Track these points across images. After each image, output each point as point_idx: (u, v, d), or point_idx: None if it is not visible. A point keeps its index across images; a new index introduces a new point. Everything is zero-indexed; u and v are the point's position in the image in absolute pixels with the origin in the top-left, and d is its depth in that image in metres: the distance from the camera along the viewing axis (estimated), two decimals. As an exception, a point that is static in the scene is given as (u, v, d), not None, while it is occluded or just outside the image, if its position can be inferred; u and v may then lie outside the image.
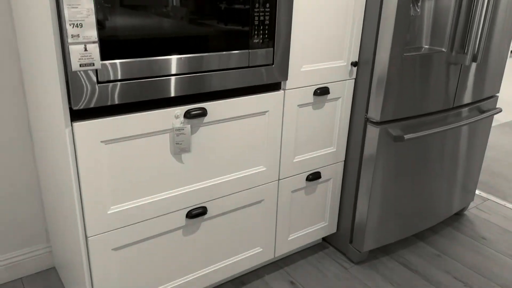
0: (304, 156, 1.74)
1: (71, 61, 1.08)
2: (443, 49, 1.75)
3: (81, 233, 1.28)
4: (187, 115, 1.34)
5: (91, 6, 1.06)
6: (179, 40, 1.24)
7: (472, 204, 2.52)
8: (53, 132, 1.30)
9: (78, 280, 1.44)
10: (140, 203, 1.36)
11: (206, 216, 1.54)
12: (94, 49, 1.09)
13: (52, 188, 1.52)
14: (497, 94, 2.15)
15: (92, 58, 1.10)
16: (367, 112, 1.74)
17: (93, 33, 1.08)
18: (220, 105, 1.41)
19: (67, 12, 1.03)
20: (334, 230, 2.02)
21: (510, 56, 7.15)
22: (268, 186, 1.67)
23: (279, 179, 1.70)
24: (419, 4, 1.68)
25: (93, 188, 1.25)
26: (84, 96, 1.14)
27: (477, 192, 2.67)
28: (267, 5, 1.37)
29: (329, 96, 1.71)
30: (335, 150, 1.83)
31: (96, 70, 1.13)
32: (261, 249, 1.76)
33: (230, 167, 1.53)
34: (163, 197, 1.40)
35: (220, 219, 1.58)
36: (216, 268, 1.65)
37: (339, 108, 1.76)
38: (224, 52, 1.34)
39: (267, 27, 1.39)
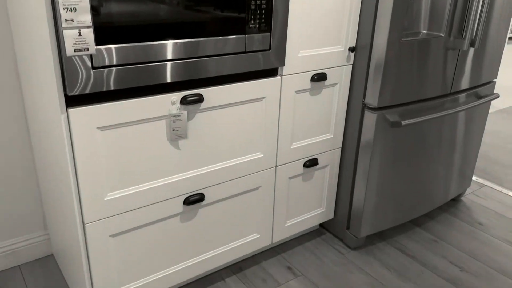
0: (302, 143, 1.74)
1: (65, 46, 1.06)
2: (441, 34, 1.74)
3: (78, 219, 1.28)
4: (184, 101, 1.34)
5: (85, -10, 1.04)
6: (175, 25, 1.23)
7: (468, 190, 2.53)
8: (49, 119, 1.29)
9: (76, 266, 1.44)
10: (137, 190, 1.36)
11: (203, 203, 1.54)
12: (89, 34, 1.08)
13: (49, 176, 1.52)
14: (495, 80, 2.15)
15: (87, 43, 1.08)
16: (364, 98, 1.73)
17: (87, 18, 1.06)
18: (216, 91, 1.41)
19: (60, -4, 1.02)
20: (331, 216, 2.03)
21: (508, 42, 7.13)
22: (265, 172, 1.67)
23: (276, 166, 1.70)
24: (417, -12, 1.67)
25: (89, 175, 1.25)
26: (79, 81, 1.13)
27: (473, 178, 2.68)
28: (264, -11, 1.35)
29: (326, 82, 1.70)
30: (332, 136, 1.83)
31: (91, 55, 1.12)
32: (259, 236, 1.77)
33: (227, 154, 1.53)
34: (160, 183, 1.40)
35: (217, 205, 1.59)
36: (214, 254, 1.65)
37: (336, 94, 1.76)
38: (220, 37, 1.33)
39: (263, 11, 1.38)
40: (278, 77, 1.55)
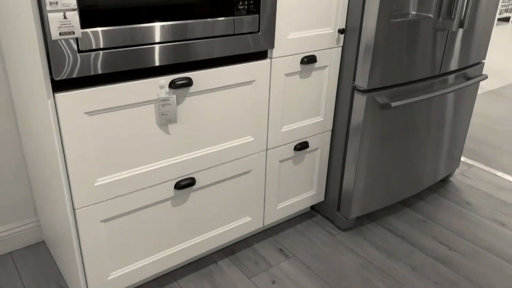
0: (292, 126, 1.74)
1: (51, 29, 1.04)
2: (430, 15, 1.74)
3: (68, 205, 1.28)
4: (172, 85, 1.32)
5: (69, -29, 1.02)
6: (163, 7, 1.21)
7: (457, 171, 2.56)
8: (36, 105, 1.27)
9: (68, 252, 1.44)
10: (127, 175, 1.35)
11: (194, 187, 1.54)
12: (74, 17, 1.06)
13: (38, 162, 1.50)
14: (483, 61, 2.16)
15: (72, 26, 1.06)
16: (354, 80, 1.73)
17: (72, 0, 1.04)
18: (205, 74, 1.39)
19: (43, -22, 0.99)
20: (322, 198, 2.04)
21: (496, 24, 7.15)
22: (256, 156, 1.67)
23: (267, 149, 1.70)
24: (407, -31, 1.66)
25: (78, 160, 1.24)
26: (65, 66, 1.11)
27: (462, 159, 2.71)
28: (252, -30, 1.33)
29: (316, 65, 1.69)
30: (322, 119, 1.83)
31: (77, 39, 1.10)
32: (250, 219, 1.78)
33: (218, 138, 1.53)
34: (150, 168, 1.39)
35: (208, 189, 1.59)
36: (206, 237, 1.66)
37: (326, 77, 1.75)
38: (209, 19, 1.31)
39: (252, -7, 1.36)
40: (268, 60, 1.54)
